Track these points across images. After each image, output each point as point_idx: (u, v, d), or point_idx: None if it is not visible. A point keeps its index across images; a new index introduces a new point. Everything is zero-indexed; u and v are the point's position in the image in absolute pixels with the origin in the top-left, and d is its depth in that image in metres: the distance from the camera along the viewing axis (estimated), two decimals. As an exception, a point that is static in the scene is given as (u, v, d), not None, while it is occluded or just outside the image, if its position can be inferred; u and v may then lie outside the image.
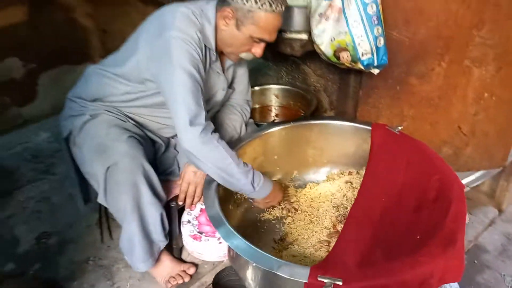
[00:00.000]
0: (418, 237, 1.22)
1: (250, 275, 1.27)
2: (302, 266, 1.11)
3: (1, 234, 1.91)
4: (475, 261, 2.06)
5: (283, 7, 1.41)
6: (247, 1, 1.37)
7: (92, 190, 1.77)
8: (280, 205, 1.67)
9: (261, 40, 1.45)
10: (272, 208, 1.68)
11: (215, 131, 1.45)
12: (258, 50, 1.48)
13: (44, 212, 2.03)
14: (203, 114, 1.41)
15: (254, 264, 1.18)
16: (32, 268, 1.76)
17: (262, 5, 1.36)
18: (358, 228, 1.30)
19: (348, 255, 1.17)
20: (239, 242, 1.21)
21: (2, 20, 2.44)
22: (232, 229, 1.24)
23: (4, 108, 2.59)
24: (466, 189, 2.24)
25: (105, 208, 1.89)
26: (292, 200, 1.70)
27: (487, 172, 2.17)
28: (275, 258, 1.14)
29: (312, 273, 1.07)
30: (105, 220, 1.91)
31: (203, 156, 1.42)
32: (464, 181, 2.24)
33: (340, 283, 1.03)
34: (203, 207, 1.70)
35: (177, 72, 1.37)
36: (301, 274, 1.08)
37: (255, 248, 1.18)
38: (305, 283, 1.07)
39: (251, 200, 1.66)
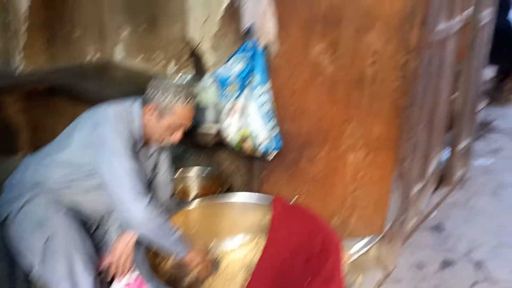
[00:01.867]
0: (309, 279, 1.56)
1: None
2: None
3: None
4: (367, 315, 2.39)
5: (195, 101, 1.75)
6: (166, 98, 1.68)
7: (18, 276, 1.87)
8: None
9: (179, 126, 1.76)
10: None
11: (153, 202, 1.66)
12: (177, 135, 1.76)
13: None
14: (144, 190, 1.63)
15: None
16: None
17: (177, 100, 1.69)
18: (262, 277, 1.60)
19: (253, 295, 1.46)
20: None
21: None
22: (161, 283, 1.47)
23: None
24: (355, 256, 2.62)
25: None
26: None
27: (372, 238, 2.49)
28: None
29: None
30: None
31: (148, 227, 1.61)
32: (354, 249, 2.61)
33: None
34: (130, 280, 1.89)
35: (115, 158, 1.60)
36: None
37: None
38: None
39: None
